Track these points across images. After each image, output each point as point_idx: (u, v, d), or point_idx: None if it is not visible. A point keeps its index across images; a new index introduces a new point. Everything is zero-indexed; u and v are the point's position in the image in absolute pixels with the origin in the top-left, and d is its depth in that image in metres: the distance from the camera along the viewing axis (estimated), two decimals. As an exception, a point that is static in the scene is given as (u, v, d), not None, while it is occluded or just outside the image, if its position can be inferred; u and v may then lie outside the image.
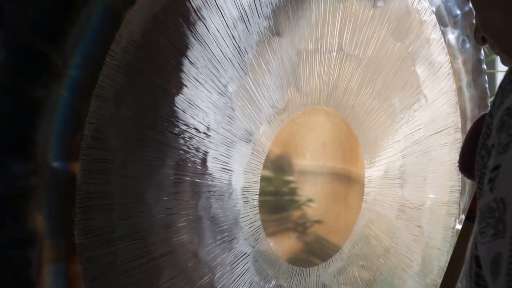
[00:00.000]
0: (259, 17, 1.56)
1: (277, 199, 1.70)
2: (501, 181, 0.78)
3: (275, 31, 1.60)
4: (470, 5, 2.22)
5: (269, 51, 1.60)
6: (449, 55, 2.15)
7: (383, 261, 1.96)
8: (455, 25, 2.18)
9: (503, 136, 0.80)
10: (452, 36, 2.16)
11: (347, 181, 1.87)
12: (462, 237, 1.53)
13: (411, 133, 2.02)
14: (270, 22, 1.58)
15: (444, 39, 2.12)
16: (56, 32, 1.26)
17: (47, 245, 1.27)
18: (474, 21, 2.18)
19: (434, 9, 2.06)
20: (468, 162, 1.34)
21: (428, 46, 2.06)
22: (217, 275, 1.54)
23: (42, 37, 1.25)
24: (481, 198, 0.82)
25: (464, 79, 2.22)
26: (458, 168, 1.42)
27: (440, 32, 2.10)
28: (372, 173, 1.92)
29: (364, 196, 1.90)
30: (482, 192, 0.83)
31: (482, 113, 1.36)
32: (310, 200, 1.76)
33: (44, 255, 1.26)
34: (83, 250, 1.31)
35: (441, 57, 2.11)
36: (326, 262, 1.81)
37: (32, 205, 1.24)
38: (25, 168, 1.24)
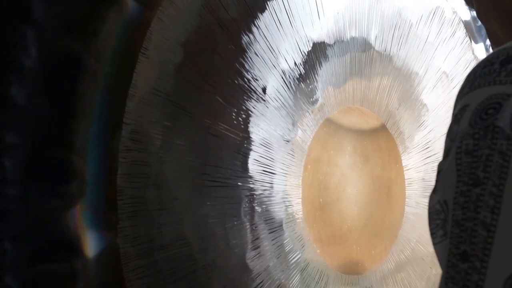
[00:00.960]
0: (289, 18, 1.52)
1: (320, 203, 1.62)
2: (442, 185, 0.82)
3: (309, 32, 1.55)
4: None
5: (302, 52, 1.55)
6: (474, 54, 2.10)
7: (431, 268, 1.87)
8: (479, 27, 2.14)
9: (447, 141, 0.84)
10: (477, 35, 2.12)
11: (388, 184, 1.80)
12: None
13: (446, 133, 1.95)
14: (302, 21, 1.53)
15: (470, 38, 2.08)
16: (86, 30, 1.21)
17: (91, 254, 1.18)
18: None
19: (458, 9, 2.02)
20: None
21: (455, 44, 2.02)
22: (267, 283, 1.45)
23: (73, 35, 1.19)
24: (429, 200, 0.85)
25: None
26: None
27: (465, 30, 2.06)
28: (412, 175, 1.85)
29: (406, 199, 1.82)
30: (430, 194, 0.86)
31: None
32: (352, 204, 1.68)
33: (89, 265, 1.18)
34: (128, 259, 1.23)
35: (468, 55, 2.07)
36: (375, 269, 1.72)
37: (73, 211, 1.16)
38: (64, 174, 1.16)
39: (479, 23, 2.16)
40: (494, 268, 0.73)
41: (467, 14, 2.11)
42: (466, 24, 2.08)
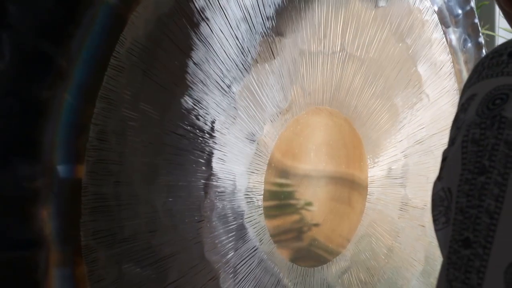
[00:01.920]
0: (262, 17, 1.56)
1: (281, 199, 1.70)
2: (446, 172, 0.85)
3: (278, 32, 1.60)
4: (472, 4, 2.23)
5: (272, 52, 1.60)
6: (450, 54, 2.15)
7: (386, 261, 1.96)
8: (456, 25, 2.18)
9: (453, 130, 0.87)
10: (453, 36, 2.16)
11: (351, 181, 1.87)
12: None
13: (413, 133, 2.02)
14: (273, 22, 1.58)
15: (446, 39, 2.12)
16: (60, 33, 1.26)
17: (54, 246, 1.26)
18: (476, 20, 2.20)
19: (436, 9, 2.06)
20: None
21: (430, 46, 2.07)
22: (222, 276, 1.54)
23: (46, 38, 1.24)
24: (433, 186, 0.88)
25: (466, 78, 2.22)
26: None
27: (442, 31, 2.10)
28: (375, 172, 1.92)
29: (368, 196, 1.90)
30: (434, 181, 0.89)
31: None
32: (313, 200, 1.76)
33: (51, 257, 1.26)
34: (89, 251, 1.31)
35: (443, 56, 2.12)
36: (330, 262, 1.80)
37: (38, 207, 1.24)
38: (30, 170, 1.23)
39: (460, 23, 2.20)
40: (496, 254, 0.75)
41: (445, 13, 2.15)
42: (439, 11, 2.10)
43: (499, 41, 3.93)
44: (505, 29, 3.88)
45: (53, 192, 1.26)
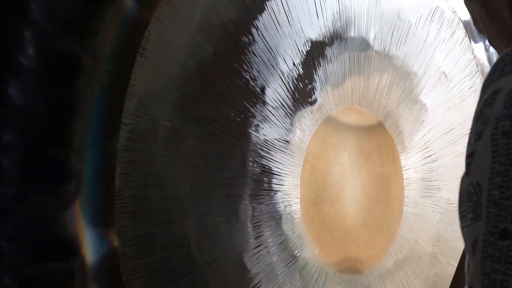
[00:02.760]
0: (287, 17, 1.52)
1: (318, 202, 1.62)
2: (475, 166, 0.83)
3: (307, 31, 1.55)
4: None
5: (300, 52, 1.55)
6: (474, 53, 2.10)
7: (429, 268, 1.87)
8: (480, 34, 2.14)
9: (479, 125, 0.85)
10: (476, 35, 2.12)
11: (387, 183, 1.80)
12: None
13: (445, 133, 1.96)
14: (301, 21, 1.54)
15: (469, 37, 2.08)
16: (85, 30, 1.21)
17: (89, 253, 1.19)
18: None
19: (457, 8, 2.02)
20: None
21: (454, 44, 2.02)
22: (264, 283, 1.45)
23: (70, 34, 1.19)
24: (460, 183, 0.87)
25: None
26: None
27: (465, 30, 2.06)
28: (410, 174, 1.85)
29: (405, 199, 1.83)
30: (461, 178, 0.88)
31: None
32: (350, 202, 1.69)
33: (87, 265, 1.18)
34: (126, 259, 1.23)
35: (467, 55, 2.07)
36: (373, 268, 1.72)
37: (71, 212, 1.17)
38: (62, 173, 1.17)
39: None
40: None
41: (466, 14, 2.11)
42: (466, 24, 2.08)
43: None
44: None
45: (86, 196, 1.19)
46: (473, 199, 0.82)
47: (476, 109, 0.90)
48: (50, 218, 1.16)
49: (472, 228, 0.81)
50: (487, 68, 2.18)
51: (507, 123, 0.81)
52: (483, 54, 2.18)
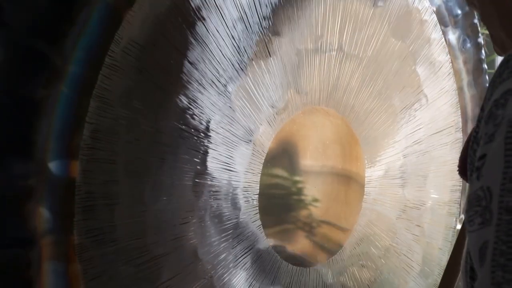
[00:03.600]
0: (258, 17, 1.56)
1: (277, 199, 1.70)
2: (487, 170, 0.80)
3: (275, 31, 1.60)
4: (471, 4, 2.22)
5: (268, 51, 1.60)
6: (449, 55, 2.14)
7: (384, 261, 1.96)
8: (455, 25, 2.17)
9: (490, 126, 0.82)
10: (452, 36, 2.16)
11: (347, 181, 1.87)
12: (461, 236, 1.52)
13: (412, 133, 2.02)
14: (269, 22, 1.58)
15: (445, 39, 2.12)
16: (55, 32, 1.26)
17: (47, 244, 1.27)
18: (475, 21, 2.19)
19: (435, 9, 2.05)
20: (464, 168, 1.33)
21: (428, 45, 2.06)
22: (217, 274, 1.54)
23: (41, 37, 1.25)
24: (469, 186, 0.85)
25: (465, 78, 2.22)
26: (458, 172, 1.40)
27: (441, 31, 2.10)
28: (372, 173, 1.92)
29: (365, 196, 1.90)
30: (470, 180, 0.85)
31: None
32: (310, 199, 1.76)
33: (44, 254, 1.26)
34: (82, 250, 1.31)
35: (442, 56, 2.11)
36: (327, 262, 1.80)
37: (32, 205, 1.25)
38: (24, 168, 1.24)
39: (459, 24, 2.20)
40: None
41: (444, 13, 2.14)
42: (438, 11, 2.09)
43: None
44: None
45: (47, 191, 1.26)
46: (482, 204, 0.79)
47: (484, 108, 0.88)
48: (10, 210, 1.23)
49: (480, 233, 0.79)
50: (461, 68, 2.22)
51: None
52: (459, 54, 2.21)
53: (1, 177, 1.22)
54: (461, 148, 1.43)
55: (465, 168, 1.35)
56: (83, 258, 1.32)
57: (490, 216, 0.77)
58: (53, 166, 1.27)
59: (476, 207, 0.80)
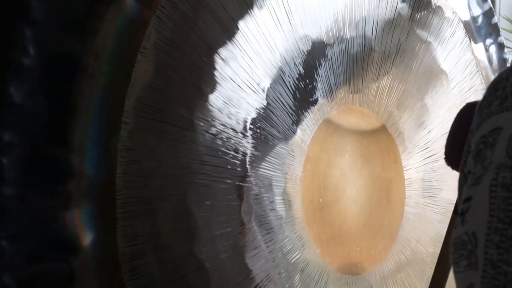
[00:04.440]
0: (288, 16, 1.51)
1: (319, 203, 1.62)
2: (471, 215, 0.78)
3: (308, 30, 1.54)
4: (490, 4, 2.20)
5: (301, 51, 1.54)
6: (473, 54, 2.10)
7: (431, 268, 1.86)
8: (477, 24, 2.14)
9: (478, 167, 0.79)
10: (476, 36, 2.12)
11: (388, 183, 1.79)
12: (451, 230, 1.45)
13: (445, 134, 1.95)
14: (301, 20, 1.53)
15: (469, 38, 2.08)
16: (85, 29, 1.20)
17: (90, 254, 1.18)
18: (495, 20, 2.16)
19: (457, 8, 2.02)
20: (452, 156, 1.29)
21: (454, 45, 2.02)
22: (266, 284, 1.45)
23: (71, 34, 1.19)
24: (454, 229, 0.82)
25: (492, 78, 2.18)
26: (445, 160, 1.35)
27: (464, 30, 2.05)
28: (411, 175, 1.84)
29: (406, 200, 1.82)
30: (455, 223, 0.84)
31: (466, 103, 1.32)
32: (352, 203, 1.68)
33: (88, 265, 1.18)
34: (126, 259, 1.22)
35: (468, 55, 2.07)
36: (375, 269, 1.71)
37: (71, 211, 1.16)
38: (61, 172, 1.16)
39: (479, 23, 2.17)
40: None
41: (466, 14, 2.11)
42: (466, 24, 2.08)
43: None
44: (505, 29, 3.81)
45: (86, 195, 1.18)
46: (468, 248, 0.77)
47: (473, 141, 0.84)
48: (50, 218, 1.15)
49: (466, 275, 0.77)
50: (487, 68, 2.18)
51: (508, 174, 0.74)
52: (483, 54, 2.18)
53: (37, 183, 1.14)
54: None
55: (453, 156, 1.30)
56: (127, 268, 1.23)
57: (476, 260, 0.75)
58: (91, 168, 1.19)
59: (462, 251, 0.78)
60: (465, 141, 0.91)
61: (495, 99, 0.82)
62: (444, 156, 1.34)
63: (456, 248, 0.79)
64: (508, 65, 2.28)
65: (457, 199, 1.45)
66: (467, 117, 1.10)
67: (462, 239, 0.78)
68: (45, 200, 1.15)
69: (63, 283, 1.15)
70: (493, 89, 0.84)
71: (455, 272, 0.80)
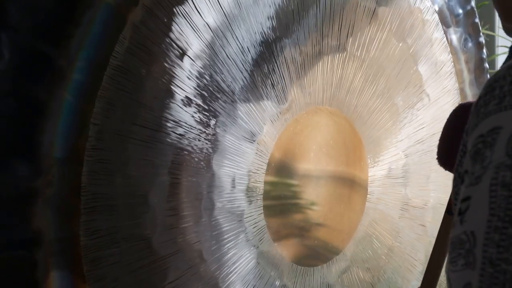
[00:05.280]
0: (262, 17, 1.56)
1: (281, 199, 1.70)
2: (471, 215, 0.78)
3: (278, 31, 1.60)
4: (472, 4, 2.23)
5: (272, 51, 1.60)
6: (451, 54, 2.15)
7: (387, 261, 1.96)
8: (457, 24, 2.18)
9: (477, 167, 0.79)
10: (454, 36, 2.16)
11: (351, 181, 1.87)
12: (443, 231, 1.50)
13: (414, 132, 2.02)
14: (273, 22, 1.58)
15: (447, 38, 2.12)
16: (60, 34, 1.27)
17: (53, 245, 1.27)
18: (476, 20, 2.19)
19: (437, 9, 2.06)
20: (445, 157, 1.32)
21: (430, 45, 2.07)
22: (222, 275, 1.54)
23: (46, 38, 1.25)
24: (452, 228, 0.82)
25: (467, 78, 2.22)
26: (437, 161, 1.37)
27: (443, 31, 2.10)
28: (375, 172, 1.92)
29: (368, 196, 1.90)
30: (453, 222, 0.83)
31: (459, 104, 1.35)
32: (313, 199, 1.76)
33: (50, 256, 1.26)
34: (88, 251, 1.31)
35: (444, 56, 2.11)
36: (330, 261, 1.81)
37: (37, 206, 1.25)
38: (30, 170, 1.24)
39: (460, 23, 2.20)
40: None
41: (446, 14, 2.14)
42: (445, 23, 2.11)
43: (499, 41, 3.91)
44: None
45: (52, 192, 1.26)
46: (466, 247, 0.77)
47: (469, 141, 0.84)
48: (15, 211, 1.23)
49: (462, 274, 0.77)
50: (463, 67, 2.23)
51: (508, 173, 0.74)
52: (460, 53, 2.22)
53: (6, 178, 1.22)
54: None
55: (447, 157, 1.32)
56: (89, 259, 1.32)
57: (474, 259, 0.75)
58: (58, 167, 1.26)
59: (459, 250, 0.78)
60: (459, 142, 0.91)
61: (493, 98, 0.81)
62: (436, 157, 1.35)
63: (453, 248, 0.79)
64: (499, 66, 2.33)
65: (450, 199, 1.50)
66: (461, 118, 1.13)
67: (460, 238, 0.78)
68: (12, 194, 1.22)
69: (25, 272, 1.24)
70: (490, 88, 0.83)
71: (451, 272, 0.80)
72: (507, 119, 0.78)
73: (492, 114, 0.80)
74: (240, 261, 1.58)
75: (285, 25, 1.62)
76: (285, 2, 1.60)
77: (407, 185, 2.02)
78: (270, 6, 1.57)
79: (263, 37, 1.57)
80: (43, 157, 1.25)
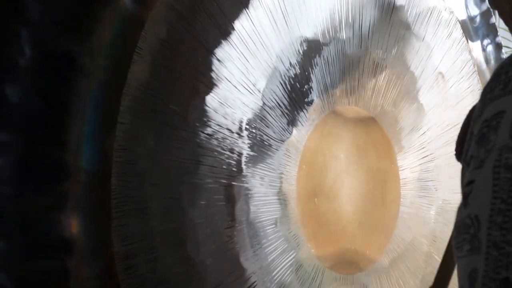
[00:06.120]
0: (284, 17, 1.52)
1: (315, 202, 1.63)
2: (474, 198, 0.77)
3: (304, 31, 1.55)
4: (488, 4, 2.20)
5: (297, 52, 1.55)
6: (471, 53, 2.11)
7: (425, 267, 1.88)
8: (475, 24, 2.15)
9: (481, 151, 0.79)
10: (474, 35, 2.13)
11: (383, 183, 1.80)
12: None
13: (441, 133, 1.96)
14: (298, 20, 1.54)
15: (466, 38, 2.08)
16: (81, 30, 1.21)
17: (85, 252, 1.19)
18: (493, 20, 2.16)
19: (455, 9, 2.02)
20: (461, 151, 1.28)
21: (451, 45, 2.02)
22: (260, 283, 1.46)
23: (67, 34, 1.19)
24: (457, 213, 0.82)
25: (488, 77, 2.18)
26: (455, 156, 1.35)
27: (461, 30, 2.06)
28: (407, 175, 1.85)
29: (401, 199, 1.83)
30: (458, 206, 0.83)
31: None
32: (347, 202, 1.69)
33: (82, 264, 1.18)
34: (121, 258, 1.23)
35: (464, 55, 2.07)
36: (370, 268, 1.72)
37: (66, 212, 1.17)
38: (57, 172, 1.17)
39: (477, 23, 2.17)
40: None
41: (463, 14, 2.11)
42: (463, 24, 2.08)
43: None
44: (505, 29, 3.81)
45: (82, 195, 1.19)
46: (471, 231, 0.76)
47: (475, 127, 0.84)
48: (45, 218, 1.16)
49: (468, 260, 0.77)
50: (484, 67, 2.19)
51: (511, 155, 0.74)
52: (480, 54, 2.19)
53: (32, 183, 1.15)
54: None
55: (461, 151, 1.29)
56: (122, 267, 1.24)
57: (479, 244, 0.75)
58: (86, 168, 1.19)
59: (464, 235, 0.77)
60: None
61: (498, 84, 0.82)
62: (454, 153, 1.33)
63: (458, 232, 0.79)
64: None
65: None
66: None
67: (464, 222, 0.78)
68: (40, 199, 1.15)
69: (58, 281, 1.16)
70: (496, 75, 0.84)
71: (458, 258, 0.80)
72: (511, 104, 0.78)
73: (496, 99, 0.80)
74: (277, 268, 1.50)
75: (310, 24, 1.57)
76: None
77: (438, 188, 1.94)
78: (292, 7, 1.52)
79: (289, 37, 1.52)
80: (70, 158, 1.18)
